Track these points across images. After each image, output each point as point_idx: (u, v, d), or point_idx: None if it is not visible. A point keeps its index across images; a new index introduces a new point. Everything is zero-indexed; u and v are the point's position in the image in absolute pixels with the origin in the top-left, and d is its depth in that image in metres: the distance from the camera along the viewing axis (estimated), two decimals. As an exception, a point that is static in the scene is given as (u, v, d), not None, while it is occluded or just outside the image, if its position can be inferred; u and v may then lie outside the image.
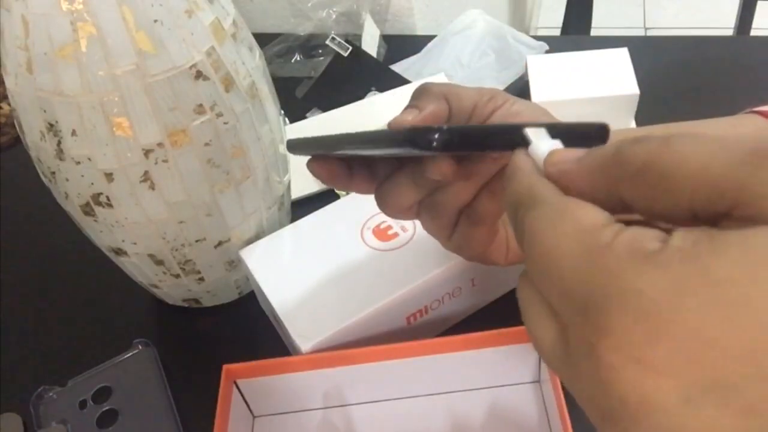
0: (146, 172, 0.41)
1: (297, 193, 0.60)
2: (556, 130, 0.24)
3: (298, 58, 0.80)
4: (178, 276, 0.49)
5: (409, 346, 0.42)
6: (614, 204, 0.20)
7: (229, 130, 0.43)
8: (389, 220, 0.48)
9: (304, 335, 0.43)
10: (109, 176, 0.41)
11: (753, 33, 1.14)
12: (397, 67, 0.75)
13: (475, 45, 0.73)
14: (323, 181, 0.36)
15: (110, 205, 0.43)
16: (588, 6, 1.12)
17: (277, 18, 0.88)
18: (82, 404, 0.48)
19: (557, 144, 0.23)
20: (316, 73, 0.75)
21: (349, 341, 0.44)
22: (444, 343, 0.42)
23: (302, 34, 0.81)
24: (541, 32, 1.49)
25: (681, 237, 0.17)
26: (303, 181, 0.62)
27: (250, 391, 0.44)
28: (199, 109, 0.41)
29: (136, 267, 0.49)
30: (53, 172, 0.42)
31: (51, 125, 0.39)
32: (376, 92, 0.71)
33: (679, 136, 0.18)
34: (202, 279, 0.50)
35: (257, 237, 0.50)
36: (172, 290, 0.52)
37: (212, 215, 0.46)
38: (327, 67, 0.74)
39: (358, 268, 0.46)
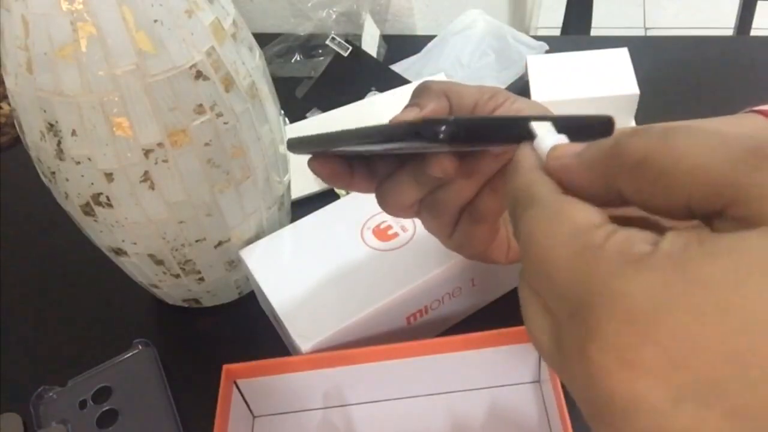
0: (146, 172, 0.41)
1: (297, 193, 0.60)
2: (562, 123, 0.24)
3: (298, 58, 0.80)
4: (178, 276, 0.49)
5: (409, 346, 0.42)
6: (613, 197, 0.20)
7: (229, 130, 0.43)
8: (389, 220, 0.48)
9: (304, 335, 0.43)
10: (109, 176, 0.41)
11: (753, 33, 1.14)
12: (397, 67, 0.75)
13: (475, 45, 0.73)
14: (324, 180, 0.35)
15: (110, 205, 0.43)
16: (588, 6, 1.12)
17: (277, 18, 0.88)
18: (82, 404, 0.48)
19: (562, 138, 0.23)
20: (316, 73, 0.75)
21: (349, 341, 0.44)
22: (444, 343, 0.42)
23: (302, 34, 0.81)
24: (541, 32, 1.49)
25: (671, 240, 0.17)
26: (303, 181, 0.62)
27: (250, 391, 0.44)
28: (199, 109, 0.41)
29: (136, 267, 0.49)
30: (53, 172, 0.42)
31: (51, 125, 0.39)
32: (376, 92, 0.71)
33: (678, 130, 0.18)
34: (202, 279, 0.50)
35: (257, 237, 0.50)
36: (172, 290, 0.52)
37: (212, 215, 0.46)
38: (327, 67, 0.74)
39: (358, 268, 0.46)
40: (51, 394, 0.49)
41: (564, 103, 0.60)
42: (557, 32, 1.18)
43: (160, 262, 0.48)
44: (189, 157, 0.42)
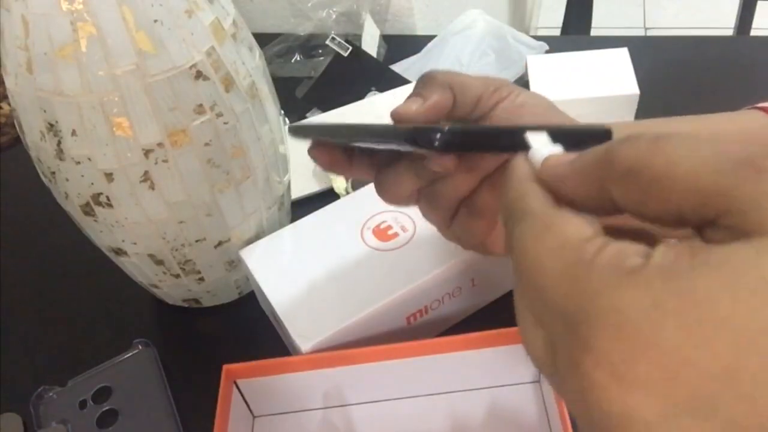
0: (146, 172, 0.41)
1: (297, 193, 0.60)
2: (558, 133, 0.24)
3: (298, 58, 0.80)
4: (178, 276, 0.49)
5: (409, 346, 0.42)
6: (606, 205, 0.20)
7: (229, 130, 0.43)
8: (389, 220, 0.48)
9: (304, 335, 0.43)
10: (109, 176, 0.41)
11: (753, 33, 1.14)
12: (397, 67, 0.75)
13: (475, 45, 0.73)
14: (324, 167, 0.36)
15: (110, 205, 0.43)
16: (588, 6, 1.12)
17: (277, 18, 0.88)
18: (82, 404, 0.48)
19: (558, 149, 0.23)
20: (316, 73, 0.75)
21: (349, 341, 0.44)
22: (444, 343, 0.42)
23: (302, 34, 0.81)
24: (541, 32, 1.49)
25: (663, 253, 0.17)
26: (303, 181, 0.62)
27: (250, 391, 0.44)
28: (199, 109, 0.41)
29: (136, 267, 0.49)
30: (53, 172, 0.42)
31: (51, 125, 0.39)
32: (376, 92, 0.71)
33: (669, 138, 0.18)
34: (202, 279, 0.50)
35: (257, 237, 0.50)
36: (172, 290, 0.52)
37: (212, 215, 0.46)
38: (327, 67, 0.74)
39: (358, 268, 0.46)
40: (51, 394, 0.49)
41: (564, 103, 0.60)
42: (557, 32, 1.18)
43: (160, 262, 0.48)
44: (189, 157, 0.42)
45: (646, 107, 0.61)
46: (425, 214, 0.36)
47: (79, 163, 0.41)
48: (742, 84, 0.69)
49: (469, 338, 0.42)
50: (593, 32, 1.18)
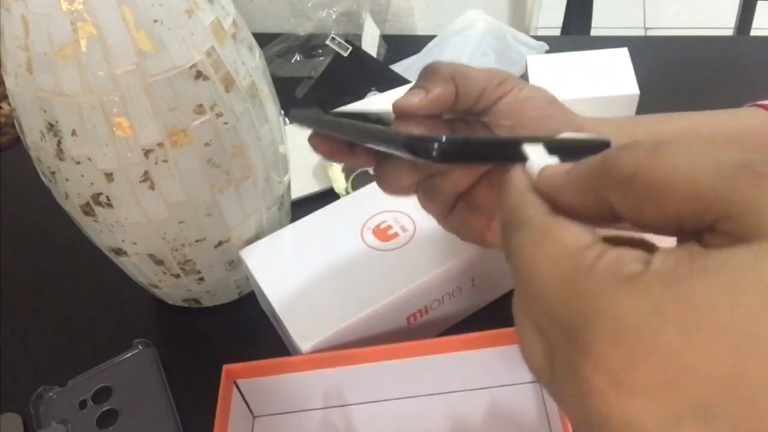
0: (146, 172, 0.41)
1: (297, 193, 0.60)
2: (556, 145, 0.24)
3: (298, 58, 0.80)
4: (178, 276, 0.49)
5: (409, 346, 0.42)
6: (604, 213, 0.20)
7: (229, 130, 0.43)
8: (389, 220, 0.48)
9: (304, 335, 0.43)
10: (109, 176, 0.41)
11: (753, 33, 1.14)
12: (397, 67, 0.75)
13: (475, 45, 0.73)
14: (324, 156, 0.36)
15: (110, 205, 0.43)
16: (588, 6, 1.12)
17: (277, 18, 0.88)
18: (82, 404, 0.48)
19: (554, 160, 0.23)
20: (316, 73, 0.75)
21: (349, 341, 0.44)
22: (444, 343, 0.42)
23: (302, 34, 0.81)
24: (541, 32, 1.49)
25: (662, 259, 0.17)
26: (303, 181, 0.62)
27: (250, 391, 0.44)
28: (199, 109, 0.41)
29: (136, 267, 0.49)
30: (53, 172, 0.42)
31: (51, 125, 0.39)
32: (376, 92, 0.71)
33: (667, 145, 0.18)
34: (202, 279, 0.50)
35: (257, 237, 0.50)
36: (172, 290, 0.52)
37: (212, 215, 0.46)
38: (327, 67, 0.74)
39: (358, 268, 0.46)
40: (51, 394, 0.49)
41: (564, 103, 0.60)
42: (557, 32, 1.18)
43: (160, 262, 0.48)
44: (189, 157, 0.42)
45: (646, 107, 0.60)
46: (424, 206, 0.36)
47: (79, 163, 0.41)
48: (742, 84, 0.69)
49: (469, 338, 0.42)
50: (593, 32, 1.18)
